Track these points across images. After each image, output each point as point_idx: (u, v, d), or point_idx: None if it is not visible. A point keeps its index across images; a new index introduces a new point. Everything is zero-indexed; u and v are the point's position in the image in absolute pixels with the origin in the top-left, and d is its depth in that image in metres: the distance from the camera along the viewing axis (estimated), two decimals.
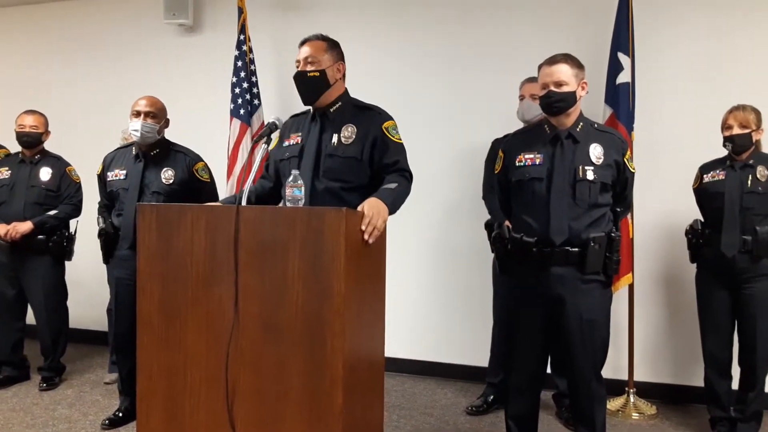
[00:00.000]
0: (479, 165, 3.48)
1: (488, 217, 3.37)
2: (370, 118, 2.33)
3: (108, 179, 3.08)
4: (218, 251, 1.91)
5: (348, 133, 2.28)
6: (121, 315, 3.03)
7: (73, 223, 3.76)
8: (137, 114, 2.97)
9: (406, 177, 2.30)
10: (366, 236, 1.94)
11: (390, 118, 2.36)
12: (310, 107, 2.38)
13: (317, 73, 2.28)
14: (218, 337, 1.91)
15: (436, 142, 4.02)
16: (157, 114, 3.01)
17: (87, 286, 4.28)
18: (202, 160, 3.13)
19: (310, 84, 2.30)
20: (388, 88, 4.08)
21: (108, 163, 3.13)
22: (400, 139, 2.35)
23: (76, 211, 3.73)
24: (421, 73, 4.06)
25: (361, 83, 4.03)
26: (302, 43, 2.36)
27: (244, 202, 1.99)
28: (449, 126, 4.00)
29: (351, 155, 2.26)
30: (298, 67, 2.32)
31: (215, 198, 3.09)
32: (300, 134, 2.34)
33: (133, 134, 2.99)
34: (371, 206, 1.99)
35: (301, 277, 1.85)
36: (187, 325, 1.95)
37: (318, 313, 1.84)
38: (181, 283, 1.96)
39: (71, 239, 3.71)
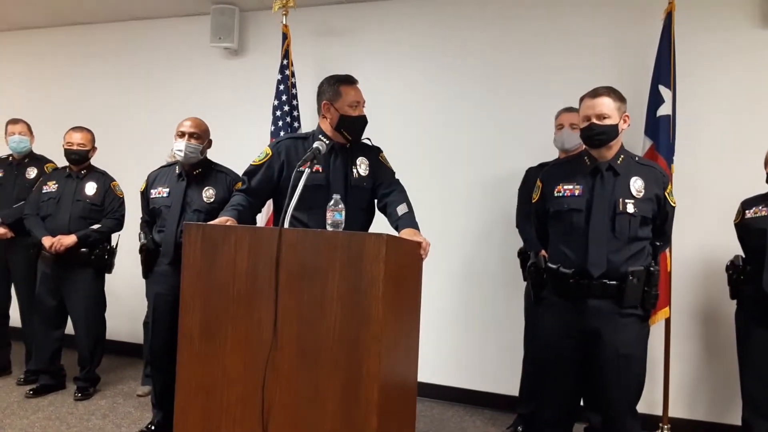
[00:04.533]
0: (513, 193, 3.49)
1: (521, 244, 3.37)
2: (372, 151, 2.65)
3: (151, 196, 3.17)
4: (259, 272, 1.95)
5: (364, 167, 2.58)
6: (158, 330, 3.08)
7: (114, 236, 3.86)
8: (182, 135, 3.05)
9: (405, 191, 2.62)
10: (425, 256, 2.24)
11: (381, 149, 2.69)
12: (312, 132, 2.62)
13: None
14: (256, 357, 1.94)
15: (469, 168, 4.04)
16: (201, 135, 3.09)
17: (124, 299, 4.38)
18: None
19: (363, 129, 2.58)
20: (425, 113, 4.15)
21: (151, 181, 3.22)
22: (391, 167, 2.70)
23: (119, 225, 3.83)
24: (457, 100, 4.10)
25: (399, 108, 4.14)
26: (353, 82, 2.56)
27: (286, 225, 2.03)
28: (483, 153, 4.02)
29: (369, 185, 2.58)
30: (355, 107, 2.52)
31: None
32: (316, 163, 2.43)
33: (177, 154, 3.07)
34: (419, 234, 2.31)
35: (340, 300, 1.88)
36: (226, 344, 1.99)
37: (355, 337, 1.86)
38: (222, 302, 2.00)
39: (113, 252, 3.81)
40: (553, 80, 3.83)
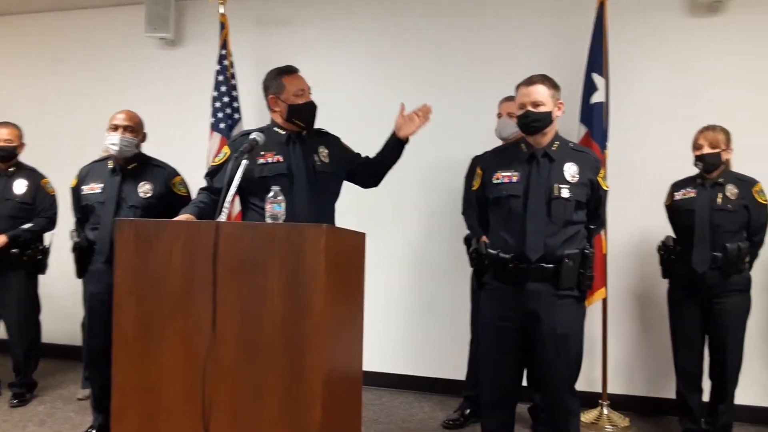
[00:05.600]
0: (459, 180, 3.53)
1: (467, 231, 3.41)
2: (331, 139, 2.72)
3: (83, 192, 3.05)
4: (197, 267, 1.91)
5: (325, 154, 2.61)
6: (94, 330, 3.00)
7: (47, 236, 3.71)
8: (115, 128, 2.96)
9: None
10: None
11: (338, 136, 2.78)
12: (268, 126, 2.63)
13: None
14: (195, 353, 1.90)
15: (416, 157, 4.02)
16: (135, 128, 3.00)
17: (60, 299, 4.22)
18: (180, 175, 3.13)
19: (314, 114, 2.61)
20: (369, 104, 4.14)
21: (83, 176, 3.10)
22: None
23: (51, 224, 3.68)
24: (401, 90, 4.08)
25: (342, 99, 4.11)
26: (294, 71, 2.59)
27: (223, 218, 2.00)
28: (430, 142, 4.02)
29: (334, 171, 2.62)
30: (301, 95, 2.55)
31: None
32: (275, 153, 2.52)
33: (111, 148, 2.97)
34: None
35: (281, 293, 1.86)
36: (163, 342, 1.94)
37: (297, 329, 1.85)
38: (158, 299, 1.95)
39: (46, 252, 3.67)
40: (495, 69, 3.89)
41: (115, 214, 2.91)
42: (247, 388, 1.87)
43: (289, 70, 2.59)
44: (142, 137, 3.06)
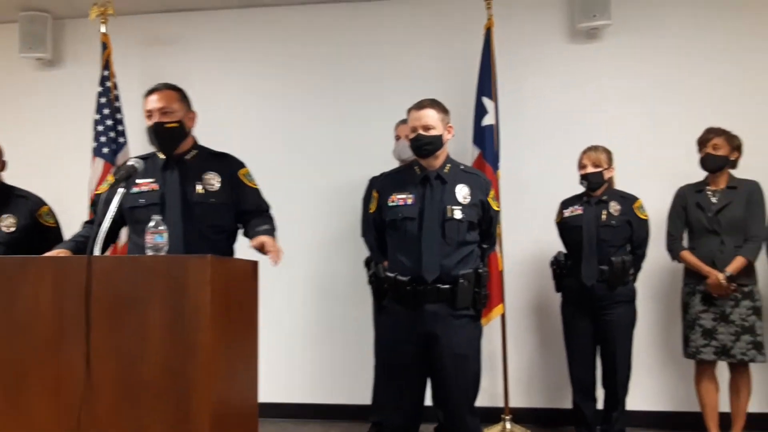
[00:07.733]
0: (358, 202, 3.51)
1: (368, 254, 3.39)
2: (229, 164, 2.43)
3: None
4: (67, 307, 1.76)
5: (212, 180, 2.35)
6: None
7: None
8: None
9: (271, 215, 2.47)
10: (276, 260, 2.11)
11: (243, 165, 2.47)
12: (155, 151, 2.40)
13: (176, 124, 2.32)
14: (68, 401, 1.74)
15: (314, 179, 4.02)
16: None
17: None
18: (46, 204, 2.87)
19: (169, 135, 2.32)
20: (260, 125, 4.06)
21: None
22: (256, 184, 2.48)
23: None
24: (294, 111, 4.07)
25: (232, 120, 4.00)
26: (151, 92, 2.34)
27: (97, 251, 1.85)
28: (328, 163, 4.02)
29: (221, 201, 2.35)
30: (149, 117, 2.31)
31: None
32: (152, 180, 2.31)
33: None
34: (270, 238, 2.18)
35: (162, 330, 1.75)
36: (31, 391, 1.77)
37: (181, 367, 1.74)
38: (24, 345, 1.78)
39: None
40: (390, 92, 3.93)
41: None
42: None
43: (148, 91, 2.36)
44: (2, 166, 2.80)
